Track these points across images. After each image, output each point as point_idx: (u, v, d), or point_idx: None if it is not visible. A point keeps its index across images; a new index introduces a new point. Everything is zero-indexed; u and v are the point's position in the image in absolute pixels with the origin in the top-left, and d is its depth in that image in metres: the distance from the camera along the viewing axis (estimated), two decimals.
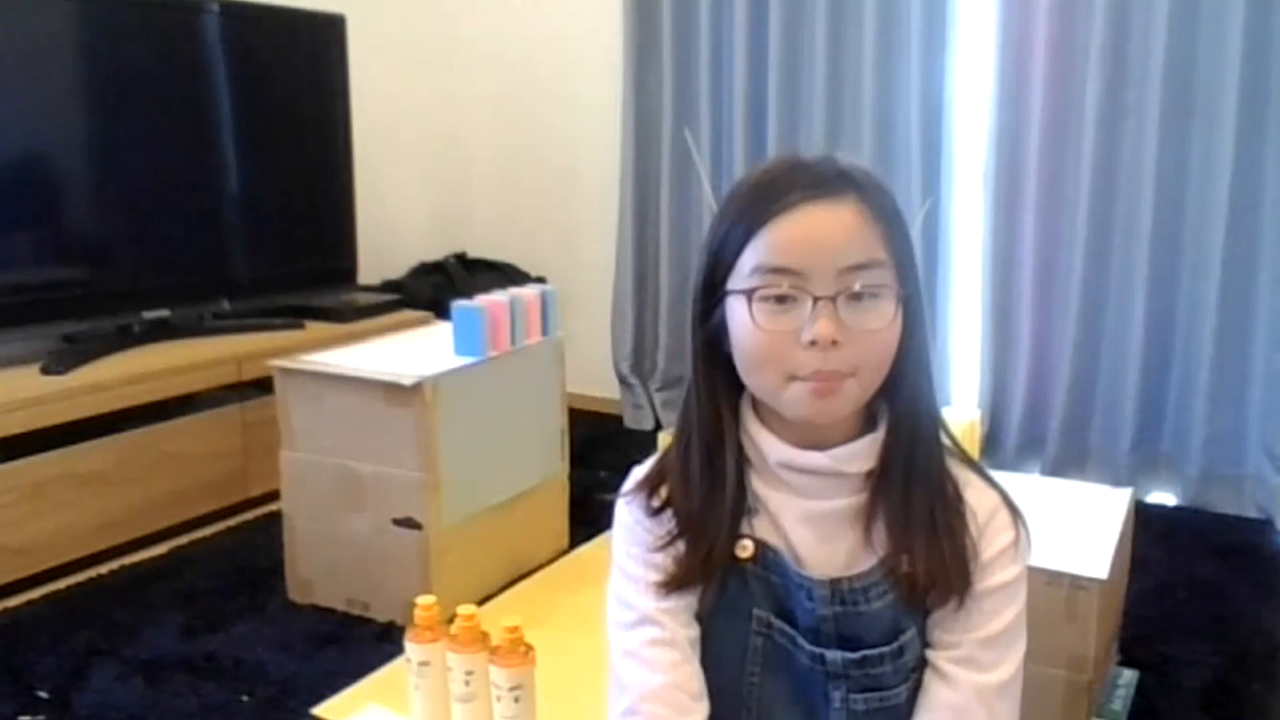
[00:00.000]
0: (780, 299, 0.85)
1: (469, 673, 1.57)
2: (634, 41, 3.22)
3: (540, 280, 3.22)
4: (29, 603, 2.17)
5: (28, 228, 2.45)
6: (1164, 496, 2.75)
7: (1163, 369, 2.70)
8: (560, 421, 2.41)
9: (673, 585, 0.93)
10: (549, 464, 2.39)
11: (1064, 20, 2.66)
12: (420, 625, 1.61)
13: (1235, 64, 2.45)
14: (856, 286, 0.85)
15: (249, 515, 2.61)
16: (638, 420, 3.42)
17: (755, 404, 0.94)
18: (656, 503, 0.96)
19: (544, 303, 2.31)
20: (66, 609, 2.14)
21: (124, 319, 2.62)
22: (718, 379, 0.93)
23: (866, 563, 0.91)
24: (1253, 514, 2.62)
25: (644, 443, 3.02)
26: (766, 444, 0.92)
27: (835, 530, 0.92)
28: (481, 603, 2.07)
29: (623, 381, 3.44)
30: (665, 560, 0.93)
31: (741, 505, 0.93)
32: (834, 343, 0.84)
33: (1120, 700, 1.75)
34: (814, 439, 0.91)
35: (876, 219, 0.86)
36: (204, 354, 2.59)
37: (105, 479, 2.34)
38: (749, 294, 0.86)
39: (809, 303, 0.84)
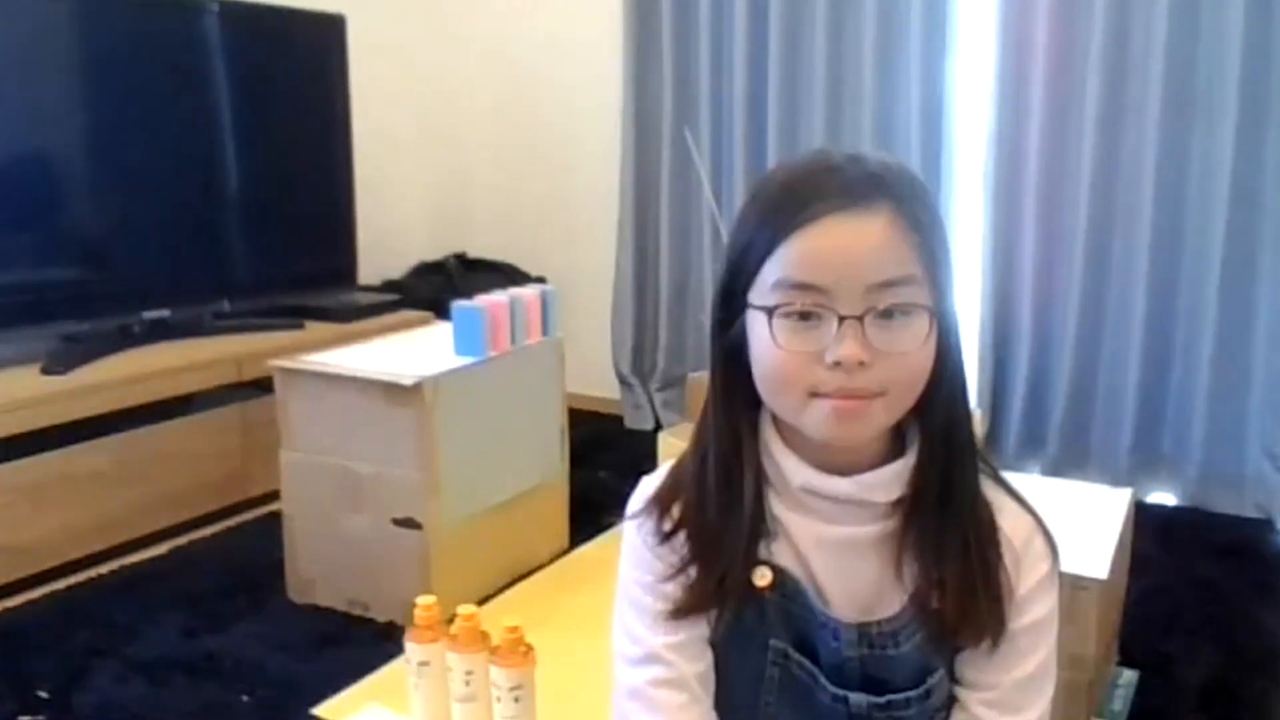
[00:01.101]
0: (804, 315, 0.79)
1: (469, 673, 1.57)
2: (634, 42, 3.22)
3: (540, 280, 3.22)
4: (29, 603, 2.17)
5: (28, 227, 2.45)
6: (1164, 496, 2.75)
7: (1163, 369, 2.70)
8: (560, 421, 2.41)
9: (683, 613, 0.88)
10: (549, 464, 2.39)
11: (1064, 20, 2.66)
12: (420, 625, 1.61)
13: (1235, 63, 2.45)
14: (886, 304, 0.78)
15: (249, 515, 2.61)
16: (638, 420, 3.41)
17: (777, 421, 0.88)
18: (668, 525, 0.90)
19: (544, 302, 2.31)
20: (67, 609, 2.14)
21: (124, 319, 2.62)
22: (737, 392, 0.87)
23: (894, 599, 0.87)
24: (1252, 514, 2.62)
25: (644, 443, 3.02)
26: (789, 466, 0.87)
27: (858, 559, 0.87)
28: (481, 603, 2.07)
29: (623, 381, 3.44)
30: (675, 589, 0.89)
31: (759, 528, 0.87)
32: (860, 364, 0.78)
33: (1120, 700, 1.75)
34: (839, 461, 0.86)
35: (911, 230, 0.79)
36: (204, 354, 2.59)
37: (105, 479, 2.34)
38: (770, 311, 0.80)
39: (834, 321, 0.78)
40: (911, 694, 0.86)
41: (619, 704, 0.91)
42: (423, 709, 1.64)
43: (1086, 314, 2.73)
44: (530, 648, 1.55)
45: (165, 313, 2.68)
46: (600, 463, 2.91)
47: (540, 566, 2.33)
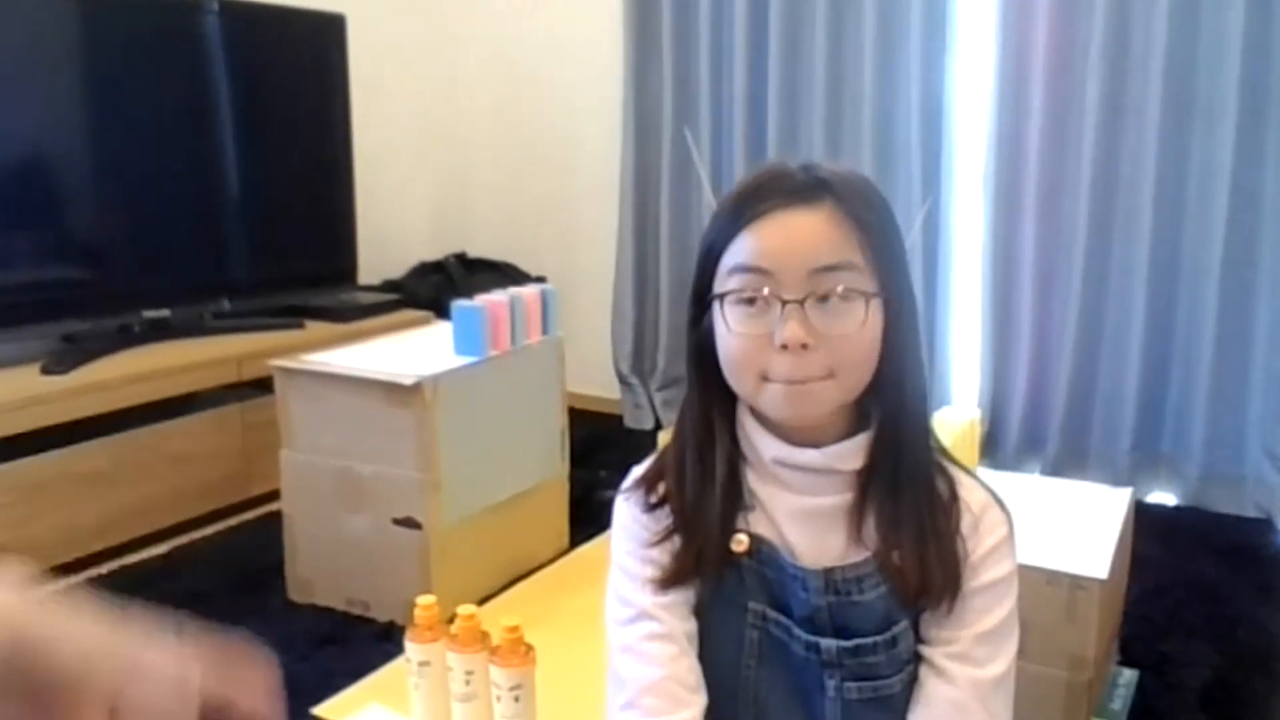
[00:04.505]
0: (751, 301, 0.87)
1: (469, 672, 1.57)
2: (634, 42, 3.22)
3: (540, 280, 3.22)
4: None
5: (28, 228, 2.45)
6: (1164, 496, 2.75)
7: (1163, 369, 2.70)
8: (560, 421, 2.41)
9: (669, 581, 0.94)
10: (549, 464, 2.39)
11: (1064, 20, 2.66)
12: (420, 625, 1.61)
13: (1235, 63, 2.45)
14: (826, 289, 0.86)
15: (249, 515, 2.61)
16: (638, 420, 3.42)
17: None
18: (654, 499, 0.97)
19: (544, 302, 2.31)
20: None
21: (124, 319, 2.62)
22: (709, 381, 0.95)
23: (858, 556, 0.92)
24: (1252, 514, 2.62)
25: (644, 442, 3.02)
26: (761, 441, 0.93)
27: (827, 526, 0.93)
28: (481, 602, 2.07)
29: (623, 381, 3.44)
30: (661, 555, 0.95)
31: (733, 502, 0.94)
32: (804, 346, 0.85)
33: (1120, 700, 1.75)
34: (808, 437, 0.92)
35: (852, 223, 0.87)
36: (204, 354, 2.59)
37: (105, 479, 2.34)
38: (722, 297, 0.89)
39: (778, 306, 0.86)
40: (878, 639, 0.91)
41: (612, 661, 0.96)
42: (423, 708, 1.64)
43: (1086, 314, 2.73)
44: (530, 647, 1.55)
45: (165, 312, 2.68)
46: (600, 462, 2.91)
47: (540, 566, 2.33)
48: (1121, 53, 2.59)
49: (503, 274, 3.36)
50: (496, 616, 1.61)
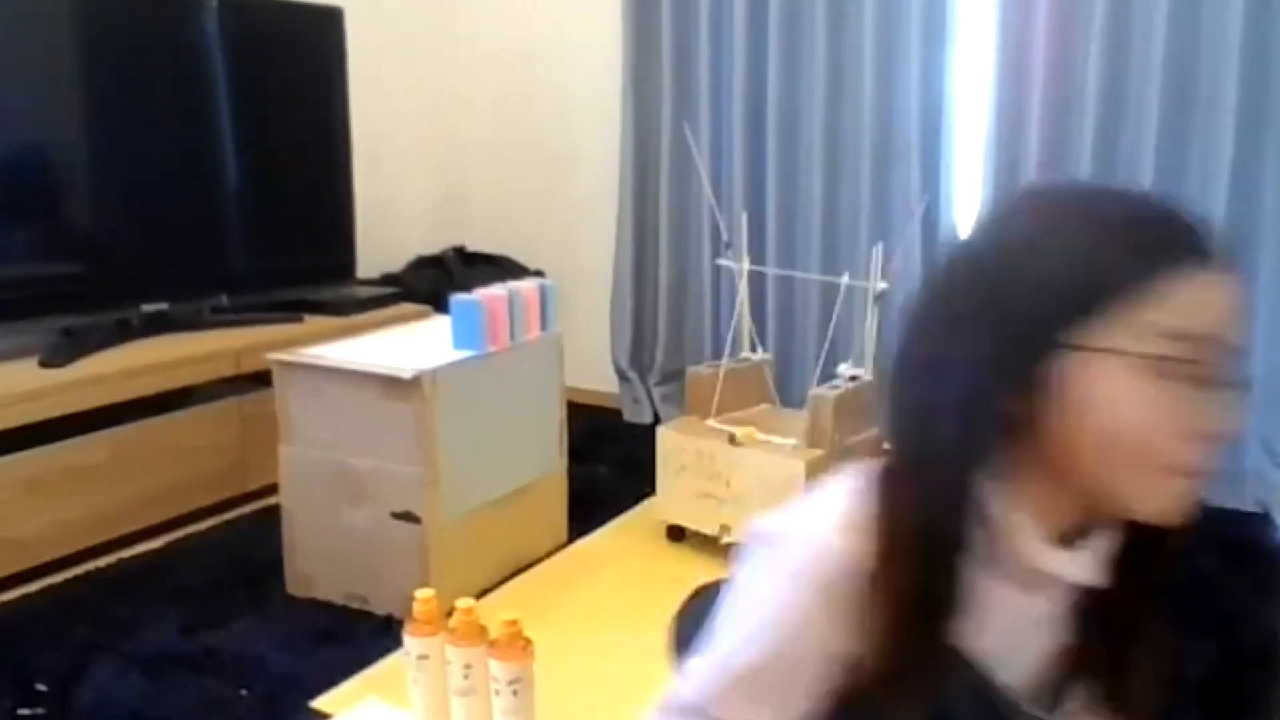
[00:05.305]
0: (1201, 378, 0.68)
1: (468, 666, 1.57)
2: (634, 40, 3.22)
3: (539, 274, 3.22)
4: (26, 597, 2.17)
5: (26, 221, 2.44)
6: None
7: None
8: (559, 415, 2.41)
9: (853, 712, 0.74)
10: (548, 458, 2.39)
11: (1064, 18, 2.66)
12: (419, 619, 1.61)
13: (1235, 60, 2.45)
14: (1240, 374, 0.70)
15: (247, 509, 2.61)
16: (637, 414, 3.42)
17: (1008, 479, 0.73)
18: (854, 594, 0.71)
19: (543, 297, 2.31)
20: (65, 603, 2.14)
21: (122, 312, 2.61)
22: (995, 458, 0.72)
23: (1064, 668, 0.79)
24: (1251, 509, 2.62)
25: (643, 437, 3.01)
26: (1035, 550, 0.75)
27: (1038, 631, 0.79)
28: (480, 596, 2.07)
29: (621, 376, 3.44)
30: (806, 699, 0.74)
31: (949, 618, 0.73)
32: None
33: None
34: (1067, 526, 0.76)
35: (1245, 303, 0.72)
36: (202, 347, 2.59)
37: (103, 472, 2.34)
38: (1158, 360, 0.67)
39: (1221, 388, 0.68)
40: None
41: None
42: (421, 702, 1.64)
43: None
44: (529, 641, 1.55)
45: (164, 306, 2.68)
46: (599, 457, 2.91)
47: (539, 560, 2.33)
48: (1121, 50, 2.58)
49: (501, 268, 3.35)
50: (495, 610, 1.61)
